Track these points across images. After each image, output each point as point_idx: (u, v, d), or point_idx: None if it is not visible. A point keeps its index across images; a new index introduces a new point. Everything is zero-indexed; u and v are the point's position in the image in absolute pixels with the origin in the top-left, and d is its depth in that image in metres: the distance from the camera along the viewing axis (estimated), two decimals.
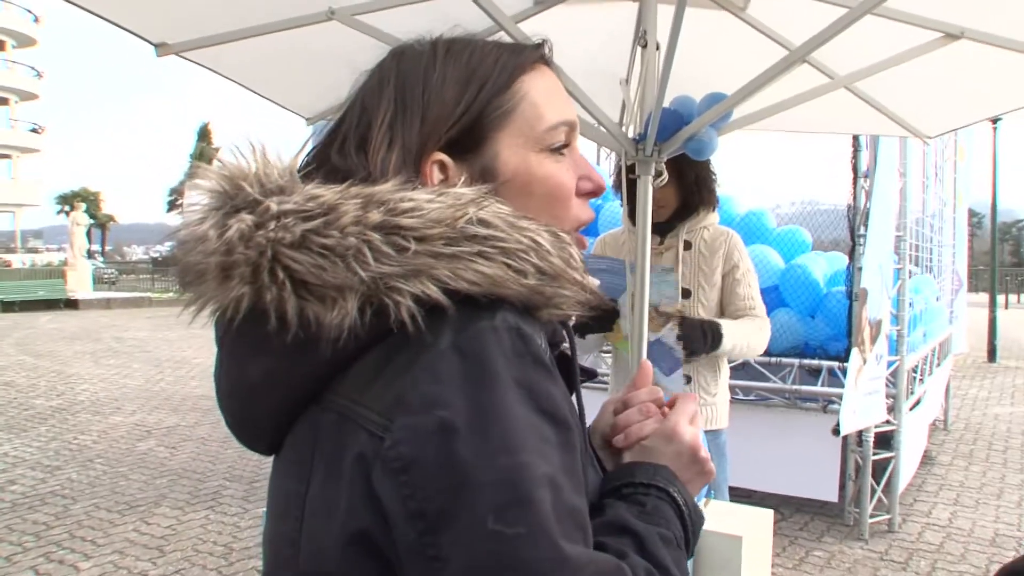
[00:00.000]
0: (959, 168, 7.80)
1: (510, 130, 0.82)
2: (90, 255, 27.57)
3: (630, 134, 2.28)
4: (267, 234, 0.69)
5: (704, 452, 0.91)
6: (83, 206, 25.04)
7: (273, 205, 0.71)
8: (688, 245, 2.73)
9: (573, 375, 0.84)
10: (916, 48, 2.12)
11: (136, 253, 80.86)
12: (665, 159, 2.26)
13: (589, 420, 0.92)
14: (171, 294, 27.17)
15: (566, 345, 0.84)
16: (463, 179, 0.78)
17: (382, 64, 0.85)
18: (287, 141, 0.82)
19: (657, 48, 2.21)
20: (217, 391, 0.82)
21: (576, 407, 0.81)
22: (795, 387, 4.84)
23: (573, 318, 0.80)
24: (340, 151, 0.80)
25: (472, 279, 0.70)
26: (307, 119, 3.03)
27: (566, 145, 0.85)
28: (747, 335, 2.69)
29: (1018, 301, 27.43)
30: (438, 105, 0.80)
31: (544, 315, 0.75)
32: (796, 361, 4.97)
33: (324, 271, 0.68)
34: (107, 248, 64.36)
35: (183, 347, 13.60)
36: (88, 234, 24.61)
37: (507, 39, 0.84)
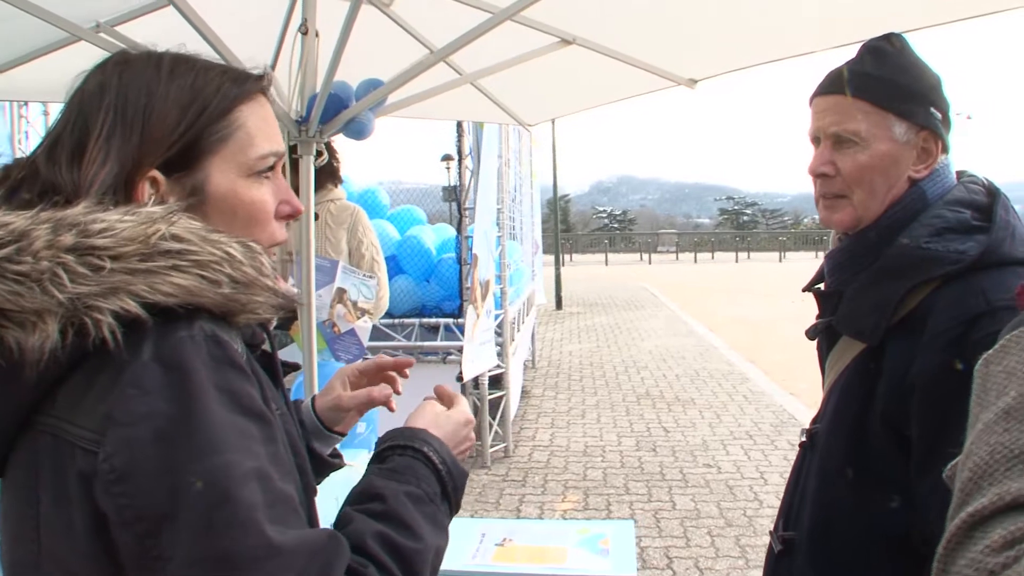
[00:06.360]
0: (533, 153, 9.20)
1: (223, 155, 0.84)
2: None
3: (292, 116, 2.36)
4: None
5: (470, 423, 1.05)
6: None
7: None
8: (316, 216, 2.95)
9: (275, 370, 0.90)
10: (536, 50, 2.49)
11: None
12: (326, 140, 2.44)
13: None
14: None
15: (266, 345, 0.88)
16: (173, 197, 0.81)
17: (103, 69, 0.84)
18: None
19: (317, 35, 2.30)
20: None
21: (282, 398, 0.90)
22: (418, 343, 5.41)
23: (273, 320, 0.85)
24: (50, 158, 0.79)
25: (169, 291, 0.72)
26: None
27: (271, 169, 0.89)
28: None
29: (571, 259, 32.51)
30: (159, 124, 0.81)
31: (241, 320, 0.79)
32: (416, 320, 5.54)
33: (21, 297, 0.69)
34: None
35: None
36: None
37: (230, 63, 0.90)
